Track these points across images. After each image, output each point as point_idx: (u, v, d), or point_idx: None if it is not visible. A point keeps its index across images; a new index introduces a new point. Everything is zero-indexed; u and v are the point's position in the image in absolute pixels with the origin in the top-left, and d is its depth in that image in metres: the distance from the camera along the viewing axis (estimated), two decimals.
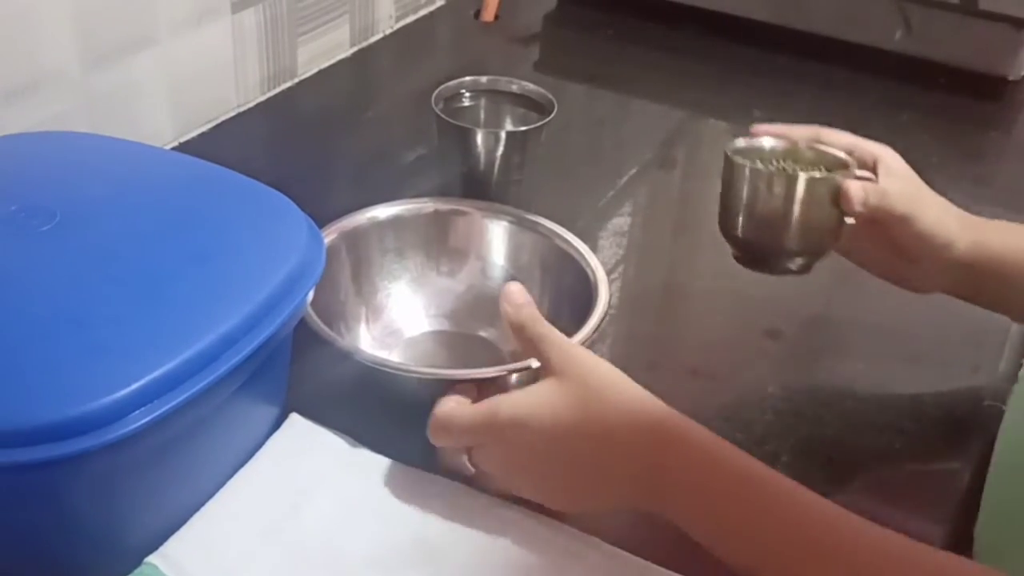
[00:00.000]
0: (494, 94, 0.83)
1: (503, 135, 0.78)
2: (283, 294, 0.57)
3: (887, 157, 0.67)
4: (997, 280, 0.66)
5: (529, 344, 0.60)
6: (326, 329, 0.64)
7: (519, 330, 0.60)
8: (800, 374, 0.75)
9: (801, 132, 0.69)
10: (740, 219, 0.66)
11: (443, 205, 0.77)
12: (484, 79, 0.83)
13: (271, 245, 0.59)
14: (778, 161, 0.68)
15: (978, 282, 0.66)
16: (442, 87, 0.81)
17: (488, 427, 0.57)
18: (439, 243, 0.76)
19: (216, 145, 0.97)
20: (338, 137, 1.02)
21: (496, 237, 0.76)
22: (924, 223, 0.64)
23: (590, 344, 0.65)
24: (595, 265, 0.71)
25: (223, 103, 1.00)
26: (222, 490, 0.59)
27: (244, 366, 0.54)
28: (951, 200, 0.68)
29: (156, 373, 0.50)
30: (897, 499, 0.65)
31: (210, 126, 0.99)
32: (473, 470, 0.59)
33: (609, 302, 0.68)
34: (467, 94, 0.83)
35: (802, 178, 0.64)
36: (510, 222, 0.76)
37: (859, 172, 0.66)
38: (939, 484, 0.67)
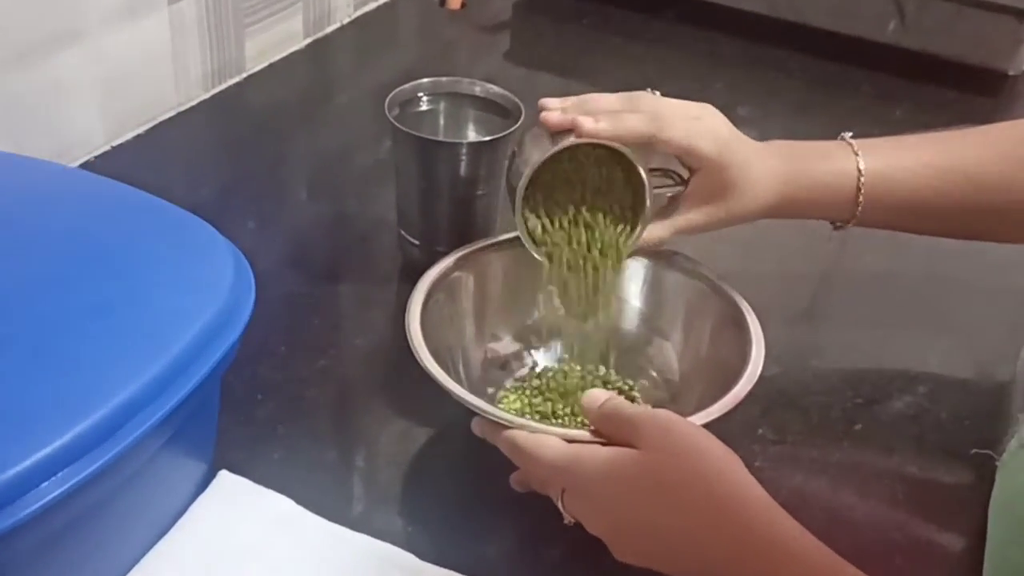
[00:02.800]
0: (455, 97, 0.75)
1: (465, 147, 0.70)
2: (205, 342, 0.50)
3: (701, 155, 0.63)
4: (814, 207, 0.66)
5: (619, 430, 0.52)
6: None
7: (610, 415, 0.53)
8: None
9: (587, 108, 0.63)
10: None
11: None
12: (444, 79, 0.75)
13: (190, 285, 0.51)
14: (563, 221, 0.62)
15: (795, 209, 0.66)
16: (396, 91, 0.73)
17: (567, 472, 0.52)
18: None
19: (153, 149, 0.89)
20: (291, 138, 0.95)
21: (632, 273, 0.67)
22: (740, 214, 0.64)
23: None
24: (750, 317, 0.62)
25: (161, 102, 0.92)
26: (139, 565, 0.52)
27: (162, 427, 0.47)
28: None
29: (50, 447, 0.43)
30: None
31: (147, 127, 0.91)
32: (571, 520, 0.53)
33: (760, 367, 0.59)
34: (425, 97, 0.75)
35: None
36: (649, 257, 0.67)
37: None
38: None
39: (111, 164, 0.86)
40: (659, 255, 0.67)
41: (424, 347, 0.57)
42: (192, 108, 0.95)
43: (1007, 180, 0.65)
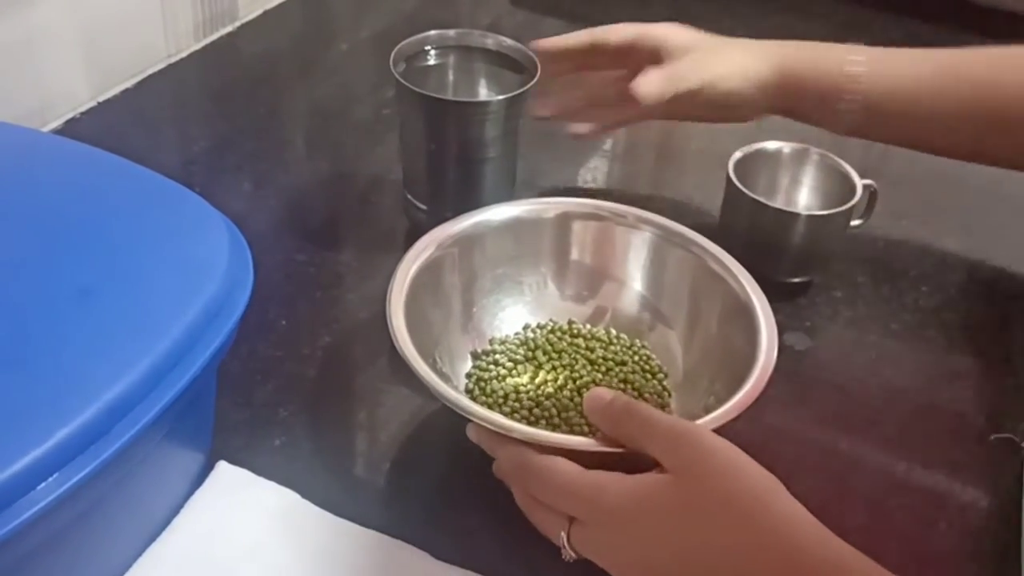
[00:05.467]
0: (465, 51, 0.70)
1: (476, 106, 0.65)
2: (201, 330, 0.46)
3: (671, 37, 0.68)
4: (807, 101, 0.67)
5: (636, 433, 0.47)
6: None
7: (621, 417, 0.48)
8: None
9: (576, 40, 0.70)
10: None
11: (573, 208, 0.63)
12: (452, 32, 0.70)
13: (183, 266, 0.47)
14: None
15: (793, 104, 0.68)
16: (402, 44, 0.68)
17: (588, 502, 0.46)
18: (561, 257, 0.63)
19: (143, 103, 0.84)
20: (287, 90, 0.90)
21: (635, 254, 0.63)
22: (725, 85, 0.66)
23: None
24: (759, 304, 0.57)
25: (150, 53, 0.87)
26: (138, 562, 0.48)
27: (157, 423, 0.44)
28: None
29: (39, 450, 0.39)
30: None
31: (135, 81, 0.86)
32: (572, 556, 0.47)
33: (773, 362, 0.53)
34: (433, 51, 0.69)
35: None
36: (655, 234, 0.62)
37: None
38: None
39: (98, 121, 0.81)
40: (664, 232, 0.62)
41: (411, 347, 0.52)
42: (183, 60, 0.90)
43: (1019, 89, 0.64)
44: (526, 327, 0.62)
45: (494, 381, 0.58)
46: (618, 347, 0.61)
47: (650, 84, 0.64)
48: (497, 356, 0.59)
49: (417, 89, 0.64)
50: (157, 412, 0.43)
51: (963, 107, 0.64)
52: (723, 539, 0.43)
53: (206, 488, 0.52)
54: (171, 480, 0.51)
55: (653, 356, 0.61)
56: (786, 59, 0.67)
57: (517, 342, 0.61)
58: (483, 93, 0.70)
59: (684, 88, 0.65)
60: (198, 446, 0.52)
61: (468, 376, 0.59)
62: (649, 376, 0.60)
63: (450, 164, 0.67)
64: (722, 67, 0.67)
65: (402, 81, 0.64)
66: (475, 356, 0.60)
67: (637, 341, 0.62)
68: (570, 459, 0.48)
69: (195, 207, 0.50)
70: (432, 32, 0.69)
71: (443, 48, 0.70)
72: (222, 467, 0.53)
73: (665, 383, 0.59)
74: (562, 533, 0.47)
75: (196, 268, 0.47)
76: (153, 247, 0.47)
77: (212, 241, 0.48)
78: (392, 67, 0.65)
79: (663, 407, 0.58)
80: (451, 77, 0.70)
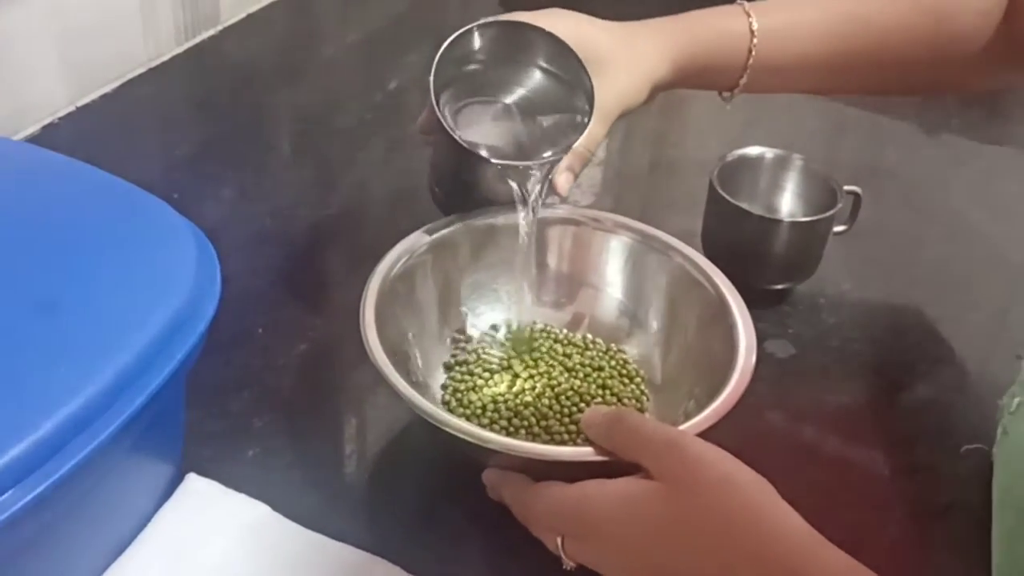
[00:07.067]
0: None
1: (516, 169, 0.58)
2: (165, 341, 0.45)
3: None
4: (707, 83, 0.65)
5: (625, 441, 0.47)
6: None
7: (611, 425, 0.48)
8: None
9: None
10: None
11: (549, 214, 0.61)
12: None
13: (148, 276, 0.46)
14: None
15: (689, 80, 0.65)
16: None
17: (573, 518, 0.46)
18: (538, 264, 0.62)
19: (122, 109, 0.84)
20: (271, 96, 0.89)
21: (613, 259, 0.62)
22: (635, 102, 0.62)
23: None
24: (738, 309, 0.56)
25: (130, 58, 0.86)
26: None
27: (121, 436, 0.43)
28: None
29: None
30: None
31: (114, 86, 0.85)
32: (571, 565, 0.47)
33: (752, 366, 0.53)
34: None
35: None
36: (633, 239, 0.61)
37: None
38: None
39: (76, 126, 0.80)
40: (642, 237, 0.61)
41: (387, 359, 0.51)
42: (164, 64, 0.89)
43: (910, 26, 0.64)
44: (495, 327, 0.61)
45: (471, 392, 0.57)
46: (594, 352, 0.60)
47: (566, 181, 0.60)
48: (472, 366, 0.59)
49: (459, 138, 0.57)
50: (119, 425, 0.42)
51: (869, 53, 0.65)
52: (718, 553, 0.42)
53: (174, 501, 0.51)
54: (138, 494, 0.50)
55: (630, 360, 0.60)
56: (683, 54, 0.63)
57: (494, 352, 0.60)
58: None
59: (600, 138, 0.62)
60: (166, 458, 0.51)
61: (444, 388, 0.58)
62: (627, 380, 0.59)
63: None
64: (630, 87, 0.62)
65: (451, 132, 0.57)
66: (448, 367, 0.59)
67: (613, 345, 0.61)
68: (553, 469, 0.48)
69: (162, 216, 0.49)
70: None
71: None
72: (191, 480, 0.52)
73: (643, 387, 0.59)
74: (558, 545, 0.47)
75: (162, 278, 0.46)
76: (118, 257, 0.47)
77: (179, 251, 0.48)
78: (437, 108, 0.57)
79: (642, 411, 0.58)
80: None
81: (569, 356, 0.60)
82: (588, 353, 0.60)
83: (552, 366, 0.59)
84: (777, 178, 0.71)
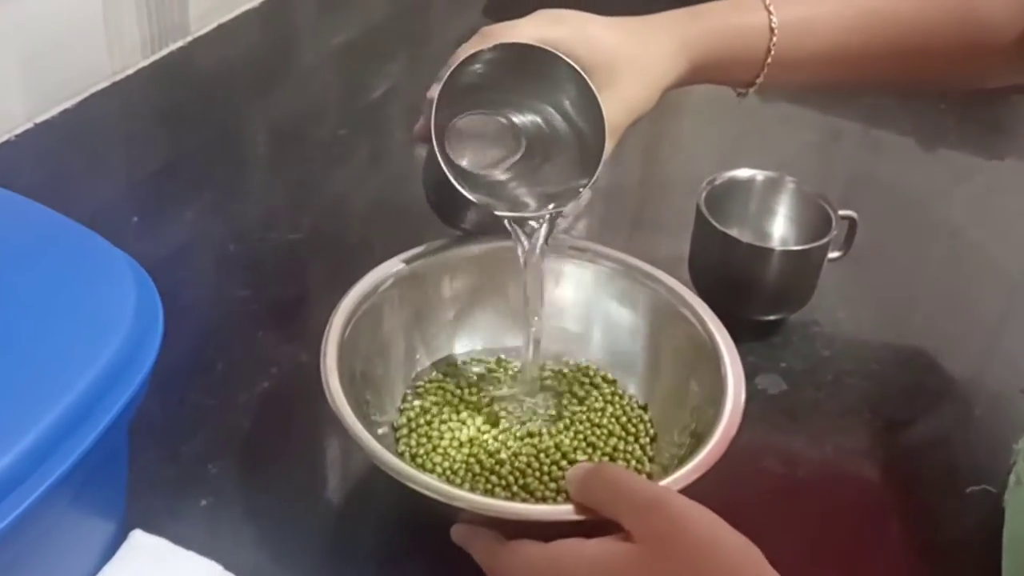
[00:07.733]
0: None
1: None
2: (103, 390, 0.41)
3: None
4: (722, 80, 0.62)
5: (603, 497, 0.44)
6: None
7: (589, 479, 0.45)
8: None
9: None
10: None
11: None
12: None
13: (83, 318, 0.42)
14: None
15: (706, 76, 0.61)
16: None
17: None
18: (513, 297, 0.58)
19: (84, 124, 0.80)
20: (242, 110, 0.86)
21: (591, 291, 0.59)
22: (646, 108, 0.58)
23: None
24: (726, 347, 0.53)
25: (93, 71, 0.83)
26: None
27: (55, 493, 0.39)
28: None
29: None
30: None
31: (77, 100, 0.82)
32: None
33: (742, 409, 0.50)
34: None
35: None
36: (613, 270, 0.58)
37: None
38: None
39: (34, 143, 0.77)
40: (624, 268, 0.58)
41: (349, 409, 0.48)
42: (129, 77, 0.85)
43: (926, 20, 0.61)
44: (464, 363, 0.58)
45: (441, 441, 0.53)
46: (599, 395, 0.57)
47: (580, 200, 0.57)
48: (443, 408, 0.55)
49: (462, 188, 0.52)
50: (54, 482, 0.39)
51: (886, 46, 0.62)
52: None
53: (118, 560, 0.48)
54: (77, 554, 0.46)
55: (631, 406, 0.57)
56: (699, 52, 0.60)
57: (469, 392, 0.56)
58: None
59: (607, 157, 0.57)
60: (108, 514, 0.48)
61: (410, 432, 0.54)
62: (630, 437, 0.55)
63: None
64: (640, 96, 0.58)
65: (456, 185, 0.52)
66: (420, 411, 0.56)
67: (598, 391, 0.57)
68: (527, 528, 0.45)
69: (98, 251, 0.45)
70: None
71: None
72: (136, 536, 0.49)
73: (644, 442, 0.55)
74: None
75: (96, 321, 0.42)
76: (47, 299, 0.43)
77: (116, 289, 0.44)
78: (436, 146, 0.52)
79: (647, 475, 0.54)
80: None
81: (567, 405, 0.56)
82: (589, 400, 0.56)
83: (534, 415, 0.56)
84: (768, 201, 0.67)
